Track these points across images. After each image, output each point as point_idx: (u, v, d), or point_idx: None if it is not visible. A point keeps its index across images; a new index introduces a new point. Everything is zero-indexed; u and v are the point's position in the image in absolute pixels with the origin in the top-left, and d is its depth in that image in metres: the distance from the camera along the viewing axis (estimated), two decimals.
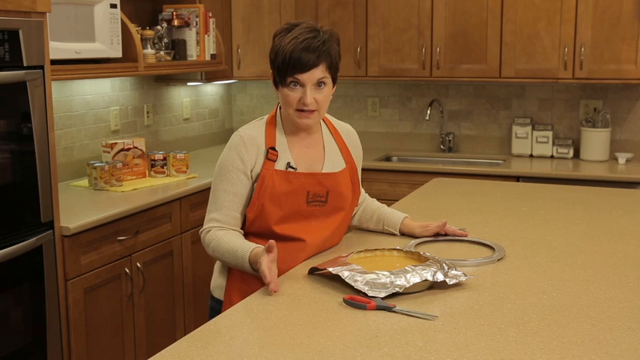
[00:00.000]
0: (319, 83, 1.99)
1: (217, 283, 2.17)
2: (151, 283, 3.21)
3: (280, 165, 2.06)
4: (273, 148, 2.06)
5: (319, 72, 1.98)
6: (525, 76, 4.19)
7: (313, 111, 2.01)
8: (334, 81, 2.05)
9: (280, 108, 2.12)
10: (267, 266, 1.82)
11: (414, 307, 1.69)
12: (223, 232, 2.03)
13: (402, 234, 2.34)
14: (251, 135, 2.07)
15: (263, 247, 1.89)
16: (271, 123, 2.11)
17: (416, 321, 1.63)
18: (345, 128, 2.25)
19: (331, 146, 2.18)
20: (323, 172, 2.11)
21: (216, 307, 2.13)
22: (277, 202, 2.04)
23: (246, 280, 2.05)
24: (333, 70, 2.02)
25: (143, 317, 3.17)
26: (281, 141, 2.09)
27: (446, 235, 2.30)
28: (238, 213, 2.05)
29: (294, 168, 2.06)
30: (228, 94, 5.10)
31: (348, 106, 4.92)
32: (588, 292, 1.82)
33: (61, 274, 2.72)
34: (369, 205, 2.40)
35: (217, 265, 2.20)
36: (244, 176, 2.04)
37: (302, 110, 2.01)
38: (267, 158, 2.04)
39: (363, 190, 2.37)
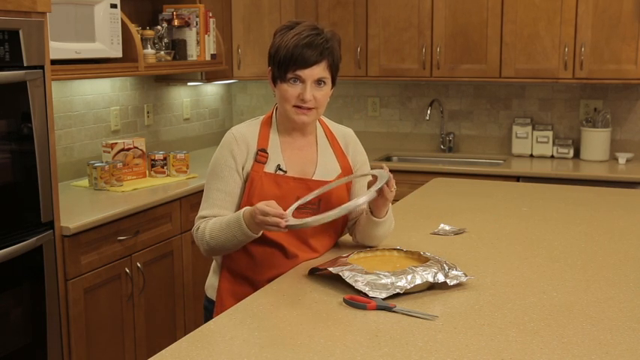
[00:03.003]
0: (319, 82, 1.97)
1: (211, 282, 2.16)
2: (151, 283, 3.21)
3: (270, 167, 2.03)
4: (264, 150, 2.03)
5: (320, 70, 1.96)
6: (525, 76, 4.19)
7: (311, 109, 1.99)
8: (334, 82, 2.03)
9: (277, 108, 2.10)
10: (265, 203, 1.83)
11: (414, 307, 1.69)
12: (211, 219, 2.00)
13: (370, 210, 2.10)
14: (243, 133, 2.05)
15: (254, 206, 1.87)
16: (266, 123, 2.09)
17: (416, 321, 1.63)
18: (341, 132, 2.20)
19: (325, 150, 2.14)
20: (314, 178, 2.07)
21: (208, 307, 2.12)
22: None
23: (238, 281, 2.05)
24: (334, 70, 2.01)
25: (143, 317, 3.17)
26: (274, 142, 2.06)
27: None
28: (230, 211, 2.02)
29: (283, 171, 2.04)
30: (229, 94, 5.10)
31: (348, 106, 4.92)
32: (588, 292, 1.82)
33: (61, 274, 2.72)
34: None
35: (213, 265, 2.18)
36: (237, 174, 2.02)
37: (299, 107, 1.98)
38: (255, 160, 2.02)
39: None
